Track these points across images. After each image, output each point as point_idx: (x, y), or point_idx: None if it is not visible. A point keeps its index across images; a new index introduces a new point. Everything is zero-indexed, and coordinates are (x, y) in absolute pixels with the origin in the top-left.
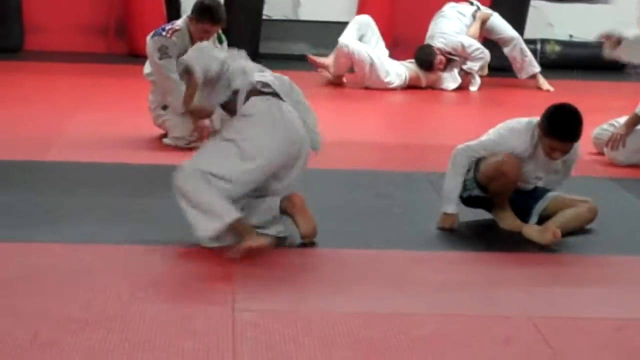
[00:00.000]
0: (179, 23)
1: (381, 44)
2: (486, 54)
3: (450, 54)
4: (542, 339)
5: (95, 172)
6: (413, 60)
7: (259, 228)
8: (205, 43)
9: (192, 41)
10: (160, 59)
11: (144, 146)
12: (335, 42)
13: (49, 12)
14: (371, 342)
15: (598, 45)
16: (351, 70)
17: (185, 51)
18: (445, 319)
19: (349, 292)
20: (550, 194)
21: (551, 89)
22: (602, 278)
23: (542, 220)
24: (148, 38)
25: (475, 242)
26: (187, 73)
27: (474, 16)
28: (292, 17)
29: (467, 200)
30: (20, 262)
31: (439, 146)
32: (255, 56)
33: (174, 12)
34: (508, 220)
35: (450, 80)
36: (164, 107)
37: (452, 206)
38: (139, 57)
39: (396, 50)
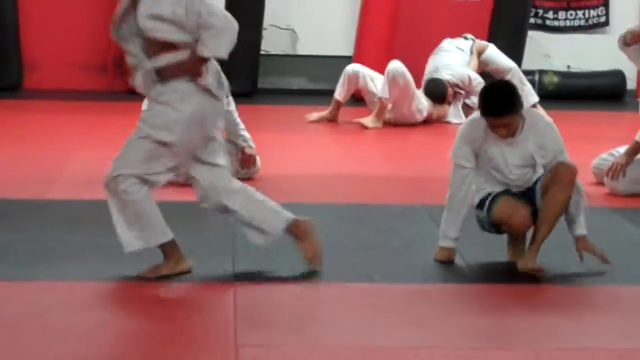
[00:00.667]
0: None
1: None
2: None
3: (457, 86)
4: None
5: (95, 209)
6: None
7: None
8: None
9: None
10: None
11: None
12: (334, 76)
13: (47, 49)
14: None
15: (596, 75)
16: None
17: None
18: (448, 352)
19: (352, 325)
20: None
21: (550, 120)
22: (603, 308)
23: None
24: None
25: (475, 274)
26: None
27: (471, 50)
28: (290, 52)
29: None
30: (22, 301)
31: (439, 178)
32: (254, 91)
33: None
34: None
35: (455, 114)
36: None
37: (448, 240)
38: (137, 94)
39: None
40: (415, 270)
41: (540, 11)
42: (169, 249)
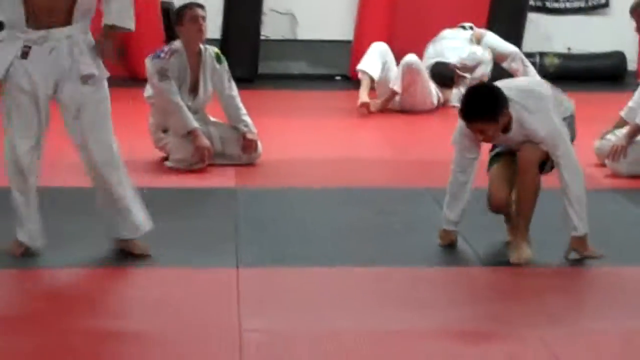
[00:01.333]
0: (176, 44)
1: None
2: (487, 73)
3: (463, 68)
4: (552, 354)
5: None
6: None
7: None
8: None
9: (190, 60)
10: (160, 81)
11: (145, 169)
12: (334, 60)
13: None
14: None
15: (596, 57)
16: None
17: (183, 71)
18: (454, 336)
19: (356, 309)
20: None
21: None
22: (607, 288)
23: None
24: (147, 60)
25: (478, 257)
26: None
27: (471, 40)
28: (290, 37)
29: None
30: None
31: (443, 162)
32: (255, 76)
33: (172, 34)
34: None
35: (459, 98)
36: (165, 130)
37: (450, 224)
38: (139, 80)
39: None
40: (418, 253)
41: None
42: None
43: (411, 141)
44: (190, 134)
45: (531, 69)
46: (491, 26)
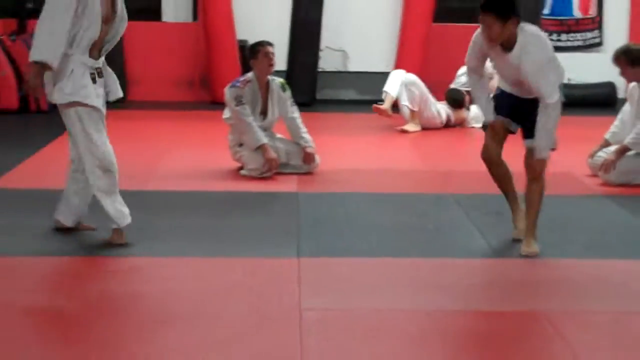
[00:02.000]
0: (249, 75)
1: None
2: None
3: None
4: (556, 330)
5: (184, 198)
6: (444, 103)
7: None
8: None
9: (260, 89)
10: (236, 106)
11: (224, 177)
12: (378, 88)
13: (146, 67)
14: (424, 336)
15: (591, 86)
16: (396, 110)
17: (255, 98)
18: (473, 315)
19: (395, 293)
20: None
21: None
22: (601, 277)
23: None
24: (226, 89)
25: (494, 251)
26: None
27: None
28: (342, 69)
29: None
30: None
31: (463, 172)
32: (313, 101)
33: (247, 66)
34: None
35: (476, 119)
36: (240, 145)
37: (489, 116)
38: (219, 104)
39: None
40: (445, 247)
41: (547, 34)
42: None
43: (438, 155)
44: (261, 148)
45: None
46: None
